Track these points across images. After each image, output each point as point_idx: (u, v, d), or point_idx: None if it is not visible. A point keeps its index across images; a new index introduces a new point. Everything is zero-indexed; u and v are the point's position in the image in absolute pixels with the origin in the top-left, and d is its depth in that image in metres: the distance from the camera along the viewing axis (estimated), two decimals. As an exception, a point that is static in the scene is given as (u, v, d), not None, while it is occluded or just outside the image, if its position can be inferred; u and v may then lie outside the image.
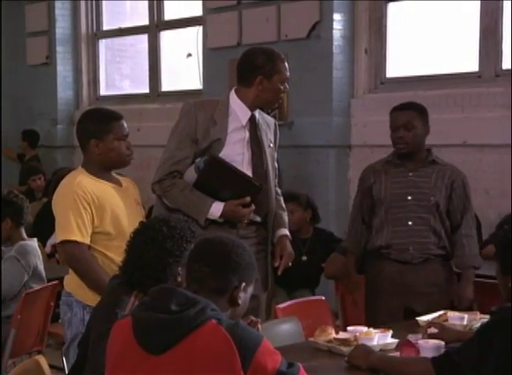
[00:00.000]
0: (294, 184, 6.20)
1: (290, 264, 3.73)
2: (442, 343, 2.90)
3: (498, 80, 5.89)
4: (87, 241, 3.33)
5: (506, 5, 5.86)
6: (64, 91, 9.07)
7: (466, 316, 3.35)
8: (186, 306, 2.17)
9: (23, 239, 4.62)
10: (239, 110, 3.63)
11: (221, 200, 3.55)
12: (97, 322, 2.73)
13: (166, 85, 8.43)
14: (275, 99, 3.70)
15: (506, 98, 5.70)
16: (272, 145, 3.76)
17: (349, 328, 3.23)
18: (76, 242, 3.30)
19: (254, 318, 2.69)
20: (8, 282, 4.43)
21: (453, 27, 6.27)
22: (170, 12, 8.34)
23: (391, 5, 6.58)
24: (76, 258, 3.32)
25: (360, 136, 6.40)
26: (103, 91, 9.18)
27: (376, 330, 3.09)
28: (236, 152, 3.60)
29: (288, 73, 3.65)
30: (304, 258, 5.39)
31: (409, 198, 3.98)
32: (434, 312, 3.54)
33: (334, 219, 6.32)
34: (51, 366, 2.95)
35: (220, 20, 7.25)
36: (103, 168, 3.44)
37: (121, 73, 9.38)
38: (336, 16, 6.50)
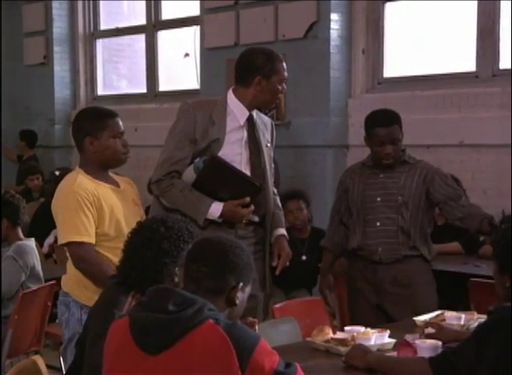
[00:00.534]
0: (292, 184, 6.20)
1: (288, 264, 3.73)
2: (440, 343, 2.90)
3: (495, 80, 5.89)
4: (93, 240, 3.32)
5: (504, 5, 5.86)
6: (61, 90, 9.07)
7: (463, 315, 3.35)
8: (183, 306, 2.17)
9: (20, 239, 4.62)
10: (237, 110, 3.63)
11: (220, 200, 3.55)
12: (95, 322, 2.72)
13: (163, 85, 8.43)
14: (273, 99, 3.70)
15: (503, 98, 5.70)
16: (269, 145, 3.76)
17: (346, 328, 3.23)
18: (82, 243, 3.28)
19: (251, 318, 2.69)
20: (8, 281, 4.43)
21: (450, 27, 6.28)
22: (167, 12, 8.33)
23: (388, 5, 6.58)
24: (83, 259, 3.30)
25: (357, 136, 6.37)
26: (100, 90, 9.17)
27: (373, 330, 3.09)
28: (234, 152, 3.60)
29: (286, 74, 3.65)
30: (304, 257, 5.39)
31: (378, 199, 4.00)
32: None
33: (331, 219, 6.31)
34: (49, 366, 2.96)
35: (217, 20, 7.25)
36: (100, 167, 3.43)
37: (118, 72, 9.37)
38: (334, 16, 6.50)
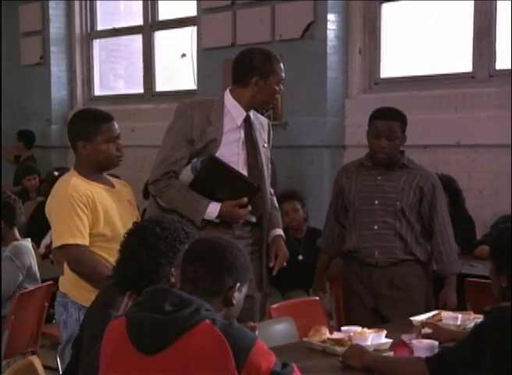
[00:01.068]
0: (288, 184, 6.21)
1: (285, 264, 3.73)
2: (436, 343, 2.90)
3: (492, 81, 5.90)
4: (87, 242, 3.31)
5: (500, 6, 5.87)
6: (58, 91, 9.06)
7: (460, 315, 3.36)
8: (180, 306, 2.17)
9: (17, 239, 4.63)
10: (234, 110, 3.63)
11: (217, 200, 3.55)
12: (91, 322, 2.72)
13: (160, 85, 8.43)
14: (270, 100, 3.70)
15: (499, 99, 5.71)
16: (266, 145, 3.76)
17: (343, 328, 3.23)
18: (76, 245, 3.28)
19: (252, 323, 2.68)
20: (6, 281, 4.43)
21: (446, 28, 6.29)
22: (164, 12, 8.33)
23: (385, 6, 6.59)
24: (78, 262, 3.30)
25: (354, 136, 6.40)
26: (97, 91, 9.17)
27: (370, 331, 3.09)
28: (231, 153, 3.60)
29: (283, 74, 3.65)
30: (301, 257, 5.40)
31: (376, 202, 3.97)
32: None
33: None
34: (46, 367, 2.95)
35: (214, 20, 7.24)
36: (93, 169, 3.43)
37: (115, 73, 9.36)
38: (330, 17, 6.50)
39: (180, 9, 8.10)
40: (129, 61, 9.05)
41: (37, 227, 6.18)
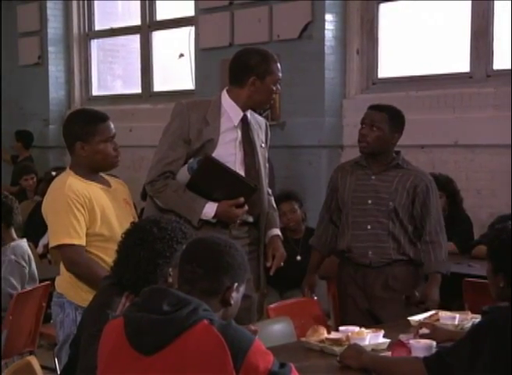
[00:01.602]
0: (286, 185, 6.21)
1: (282, 264, 3.73)
2: (434, 343, 2.90)
3: (489, 81, 5.91)
4: (84, 242, 3.31)
5: (498, 6, 5.88)
6: (56, 91, 9.06)
7: (457, 315, 3.36)
8: (178, 307, 2.17)
9: (14, 239, 4.62)
10: (231, 110, 3.63)
11: (214, 200, 3.55)
12: (89, 323, 2.72)
13: (158, 85, 8.43)
14: (267, 100, 3.70)
15: (497, 99, 5.72)
16: (263, 145, 3.76)
17: (341, 328, 3.23)
18: (72, 245, 3.28)
19: (253, 327, 2.68)
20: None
21: (444, 28, 6.30)
22: (162, 13, 8.34)
23: (383, 6, 6.60)
24: (74, 262, 3.30)
25: (351, 136, 6.37)
26: (95, 91, 9.17)
27: (368, 330, 3.10)
28: (228, 153, 3.60)
29: (280, 74, 3.65)
30: (298, 257, 5.39)
31: (369, 202, 3.96)
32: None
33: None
34: (43, 367, 2.95)
35: (212, 21, 7.25)
36: (91, 170, 3.42)
37: (113, 73, 9.37)
38: (328, 17, 6.51)
39: (178, 9, 8.11)
40: (127, 61, 9.05)
41: (35, 227, 6.17)
